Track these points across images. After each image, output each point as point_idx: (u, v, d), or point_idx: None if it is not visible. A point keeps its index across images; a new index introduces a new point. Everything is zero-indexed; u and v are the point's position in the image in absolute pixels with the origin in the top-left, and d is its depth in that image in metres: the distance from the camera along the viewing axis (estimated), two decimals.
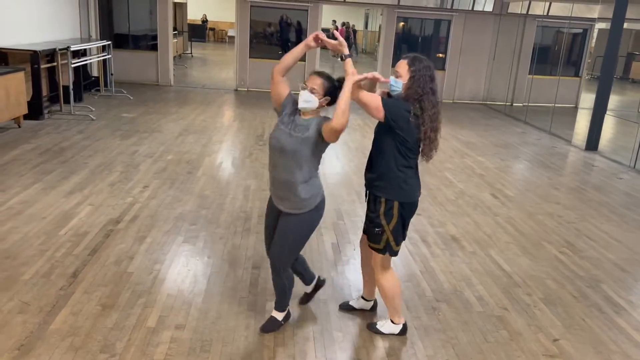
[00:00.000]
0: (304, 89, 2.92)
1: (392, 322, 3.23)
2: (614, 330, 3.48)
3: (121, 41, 12.38)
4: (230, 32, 25.38)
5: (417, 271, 4.11)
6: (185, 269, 3.87)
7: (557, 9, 12.52)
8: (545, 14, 12.70)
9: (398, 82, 2.86)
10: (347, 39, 23.66)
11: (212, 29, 27.93)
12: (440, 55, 13.32)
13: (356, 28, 26.57)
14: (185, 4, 21.05)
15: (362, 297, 3.48)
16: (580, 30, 13.47)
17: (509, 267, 4.27)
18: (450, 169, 7.06)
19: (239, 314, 3.35)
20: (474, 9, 12.70)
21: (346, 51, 2.87)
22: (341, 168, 6.82)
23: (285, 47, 13.30)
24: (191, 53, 20.20)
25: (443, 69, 13.08)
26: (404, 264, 4.21)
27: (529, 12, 12.70)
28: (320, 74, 2.97)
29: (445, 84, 13.05)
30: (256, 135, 8.21)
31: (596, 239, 5.02)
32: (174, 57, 15.20)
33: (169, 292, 3.54)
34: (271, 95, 3.10)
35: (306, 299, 3.51)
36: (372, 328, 3.27)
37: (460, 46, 12.86)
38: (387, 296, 3.15)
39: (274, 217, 3.11)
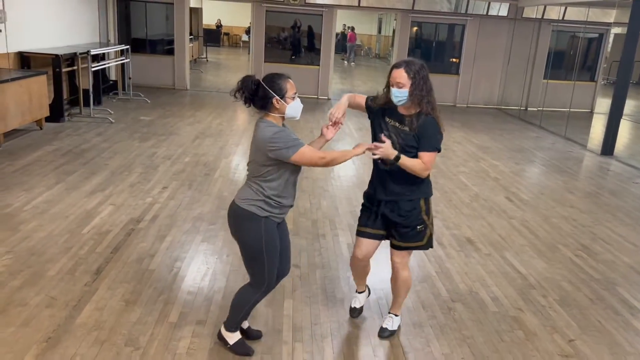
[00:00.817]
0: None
1: (395, 315, 3.30)
2: (629, 332, 3.49)
3: (139, 46, 12.57)
4: (244, 37, 25.62)
5: (433, 272, 4.15)
6: (204, 267, 3.95)
7: (572, 14, 12.49)
8: (560, 18, 12.68)
9: (402, 92, 2.86)
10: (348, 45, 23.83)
11: (227, 34, 28.19)
12: (455, 59, 13.35)
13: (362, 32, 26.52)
14: (201, 9, 21.30)
15: (359, 292, 3.50)
16: (596, 35, 13.41)
17: (524, 269, 4.30)
18: (465, 172, 7.09)
19: (257, 310, 3.41)
20: (489, 13, 12.72)
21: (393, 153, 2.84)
22: (356, 171, 6.89)
23: (298, 52, 13.43)
24: (206, 57, 20.43)
25: (457, 73, 13.11)
26: (420, 265, 4.25)
27: (544, 17, 12.68)
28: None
29: (460, 89, 13.07)
30: None
31: (611, 242, 5.03)
32: (190, 62, 15.40)
33: (190, 289, 3.63)
34: None
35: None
36: (384, 334, 3.26)
37: (474, 51, 12.87)
38: (406, 290, 3.24)
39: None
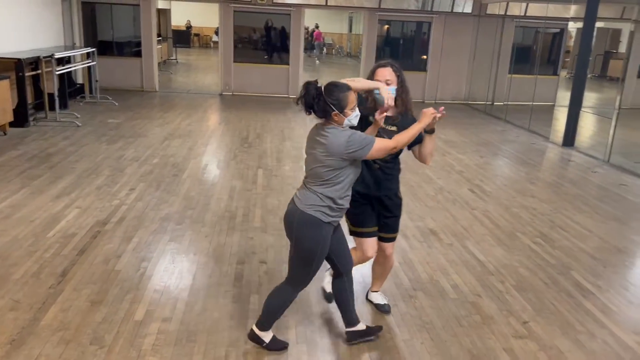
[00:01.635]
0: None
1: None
2: (581, 313, 3.67)
3: (105, 48, 12.46)
4: (214, 38, 25.50)
5: (396, 263, 4.27)
6: (171, 266, 4.00)
7: (534, 10, 12.82)
8: (523, 14, 12.99)
9: (392, 89, 3.01)
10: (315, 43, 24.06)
11: (197, 35, 28.03)
12: (423, 56, 13.56)
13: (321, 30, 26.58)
14: (169, 10, 21.13)
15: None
16: (557, 30, 13.79)
17: (484, 257, 4.46)
18: (430, 166, 7.24)
19: (224, 306, 3.49)
20: (454, 10, 12.96)
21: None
22: None
23: (271, 52, 13.48)
24: (176, 59, 20.29)
25: (425, 70, 13.32)
26: None
27: (507, 13, 12.98)
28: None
29: (428, 85, 13.29)
30: (241, 138, 8.35)
31: (568, 229, 5.23)
32: (159, 63, 15.30)
33: (156, 287, 3.67)
34: None
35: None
36: (387, 308, 3.54)
37: (441, 48, 13.11)
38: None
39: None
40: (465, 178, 6.80)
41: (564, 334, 3.39)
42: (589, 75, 19.08)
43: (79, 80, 11.27)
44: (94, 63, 10.44)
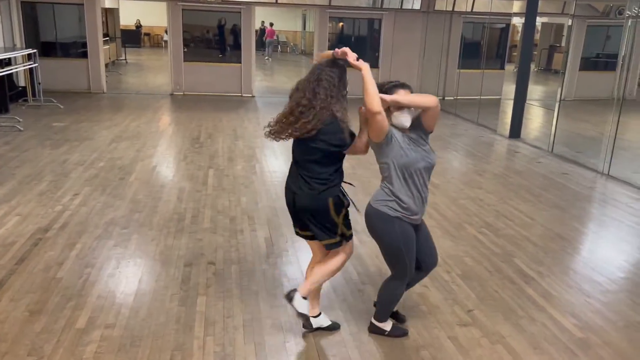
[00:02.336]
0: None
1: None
2: (522, 299, 3.79)
3: (49, 49, 12.04)
4: (165, 37, 25.01)
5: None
6: (116, 271, 3.91)
7: (480, 5, 13.13)
8: (469, 10, 13.30)
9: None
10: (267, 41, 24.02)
11: (147, 34, 27.41)
12: (376, 54, 13.69)
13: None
14: (117, 9, 20.58)
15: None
16: (503, 25, 14.17)
17: None
18: None
19: (170, 309, 3.43)
20: (403, 7, 13.14)
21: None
22: (278, 167, 6.96)
23: (223, 51, 13.34)
24: (125, 59, 19.80)
25: (377, 66, 13.45)
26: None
27: (455, 9, 13.25)
28: (403, 85, 3.00)
29: (380, 81, 13.40)
30: (192, 138, 8.23)
31: (513, 218, 5.40)
32: (107, 64, 14.91)
33: (100, 294, 3.58)
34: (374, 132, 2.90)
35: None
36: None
37: (392, 44, 13.27)
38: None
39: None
40: None
41: (506, 320, 3.50)
42: (535, 69, 19.75)
43: (21, 83, 10.84)
44: (36, 65, 10.07)
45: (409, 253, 2.99)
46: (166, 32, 23.51)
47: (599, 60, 15.09)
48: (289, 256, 4.33)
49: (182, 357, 2.97)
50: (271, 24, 24.68)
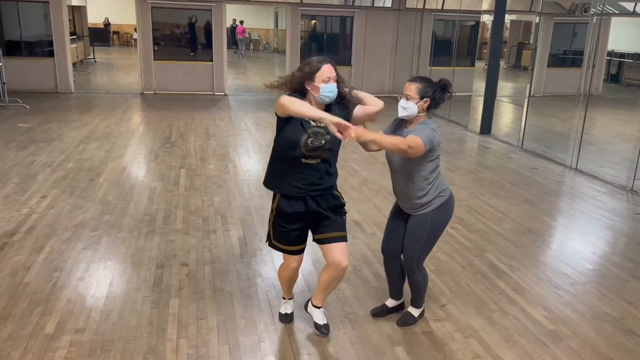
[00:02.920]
0: (400, 98, 2.98)
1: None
2: (494, 292, 3.85)
3: (13, 48, 11.71)
4: (135, 35, 24.61)
5: (320, 257, 4.29)
6: (86, 275, 3.82)
7: (451, 3, 13.28)
8: (440, 7, 13.43)
9: (333, 86, 2.84)
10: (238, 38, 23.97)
11: (117, 33, 26.94)
12: (348, 51, 13.73)
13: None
14: (84, 7, 20.17)
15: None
16: (473, 23, 14.36)
17: None
18: (355, 159, 7.36)
19: (142, 312, 3.37)
20: (375, 5, 13.20)
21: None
22: (252, 165, 6.92)
23: (195, 49, 13.19)
24: (94, 58, 19.42)
25: (349, 64, 13.49)
26: (307, 252, 4.38)
27: (426, 7, 13.37)
28: (414, 79, 3.04)
29: (353, 79, 13.44)
30: (163, 137, 8.12)
31: (484, 213, 5.47)
32: (75, 63, 14.60)
33: (69, 298, 3.50)
34: None
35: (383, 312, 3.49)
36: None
37: (364, 42, 13.32)
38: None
39: (401, 220, 3.21)
40: (388, 170, 6.94)
41: (479, 314, 3.55)
42: (504, 66, 20.05)
43: None
44: (0, 64, 9.79)
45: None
46: (136, 30, 23.22)
47: (566, 57, 15.43)
48: (263, 255, 4.30)
49: None
50: (241, 22, 24.59)
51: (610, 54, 15.88)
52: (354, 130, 2.58)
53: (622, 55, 16.49)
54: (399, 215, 3.25)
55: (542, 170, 7.26)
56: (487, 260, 4.38)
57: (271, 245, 3.11)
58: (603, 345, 3.26)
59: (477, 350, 3.15)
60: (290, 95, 2.83)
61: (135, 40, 24.64)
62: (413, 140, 2.84)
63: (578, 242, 4.94)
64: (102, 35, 24.04)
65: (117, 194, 5.51)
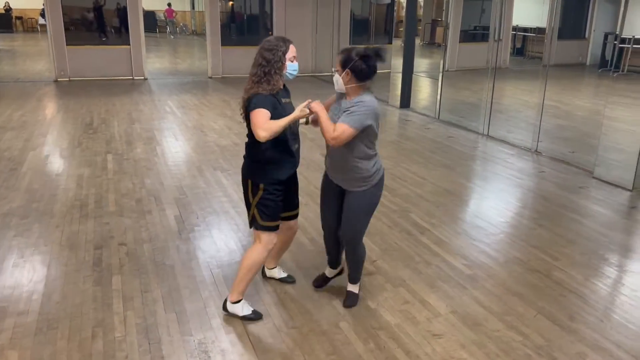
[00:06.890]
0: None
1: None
2: (419, 247, 4.21)
3: None
4: (41, 21, 23.17)
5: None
6: (20, 261, 3.79)
7: None
8: None
9: (295, 65, 3.07)
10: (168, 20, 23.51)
11: (20, 18, 25.22)
12: (270, 32, 13.76)
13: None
14: None
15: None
16: (389, 1, 14.84)
17: None
18: None
19: (85, 290, 3.42)
20: None
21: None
22: (180, 147, 6.92)
23: (105, 32, 12.72)
24: None
25: None
26: (238, 237, 4.55)
27: None
28: (341, 51, 3.01)
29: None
30: (85, 124, 7.90)
31: (406, 179, 5.86)
32: None
33: (6, 284, 3.48)
34: None
35: (324, 282, 3.60)
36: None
37: (284, 21, 13.40)
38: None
39: (335, 195, 3.25)
40: (316, 145, 7.20)
41: (406, 266, 3.89)
42: (420, 43, 20.86)
43: None
44: None
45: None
46: (41, 15, 21.84)
47: (477, 33, 16.32)
48: (202, 231, 4.42)
49: (104, 332, 3.01)
50: (169, 4, 24.14)
51: (515, 28, 16.96)
52: (316, 104, 2.91)
53: (525, 29, 17.66)
54: (331, 189, 3.30)
55: (457, 138, 7.79)
56: (411, 219, 4.75)
57: (259, 228, 3.09)
58: (513, 284, 3.70)
59: (407, 297, 3.49)
60: (255, 105, 2.86)
61: (41, 25, 23.24)
62: (339, 130, 2.88)
63: (491, 200, 5.44)
64: (4, 22, 22.50)
65: (43, 182, 5.39)
